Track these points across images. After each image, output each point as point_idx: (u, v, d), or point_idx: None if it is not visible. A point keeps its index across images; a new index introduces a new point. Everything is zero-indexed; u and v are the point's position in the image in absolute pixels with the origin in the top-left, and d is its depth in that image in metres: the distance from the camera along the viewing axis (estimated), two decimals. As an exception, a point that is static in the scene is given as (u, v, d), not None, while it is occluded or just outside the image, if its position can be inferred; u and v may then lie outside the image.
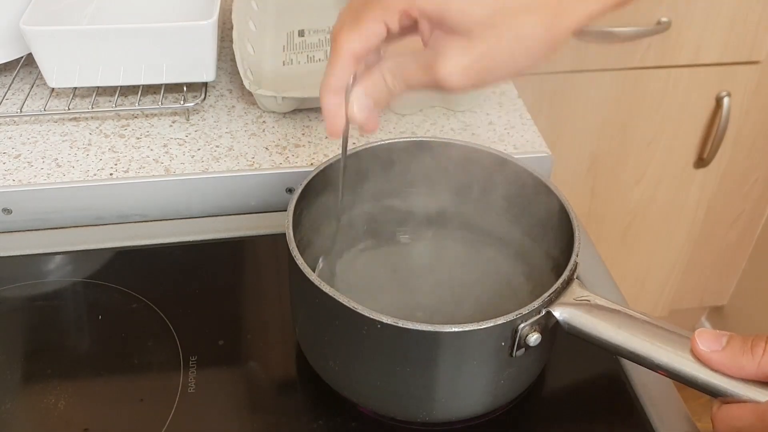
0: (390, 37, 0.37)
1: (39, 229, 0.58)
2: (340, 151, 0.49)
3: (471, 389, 0.41)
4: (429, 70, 0.36)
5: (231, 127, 0.64)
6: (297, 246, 0.42)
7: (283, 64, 0.71)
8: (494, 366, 0.40)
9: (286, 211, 0.44)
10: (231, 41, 0.67)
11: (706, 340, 0.35)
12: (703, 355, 0.35)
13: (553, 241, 0.47)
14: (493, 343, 0.39)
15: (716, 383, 0.35)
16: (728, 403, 0.35)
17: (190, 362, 0.47)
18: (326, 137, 0.63)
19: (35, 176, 0.58)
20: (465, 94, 0.36)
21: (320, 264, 0.49)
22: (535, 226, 0.49)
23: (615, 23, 0.96)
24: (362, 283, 0.50)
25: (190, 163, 0.60)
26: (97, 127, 0.64)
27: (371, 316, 0.37)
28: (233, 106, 0.67)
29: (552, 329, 0.40)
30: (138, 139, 0.63)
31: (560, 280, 0.40)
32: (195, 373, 0.47)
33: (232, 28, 0.69)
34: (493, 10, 0.34)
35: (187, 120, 0.65)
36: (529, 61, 0.36)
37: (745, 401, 0.34)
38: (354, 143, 0.62)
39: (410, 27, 0.37)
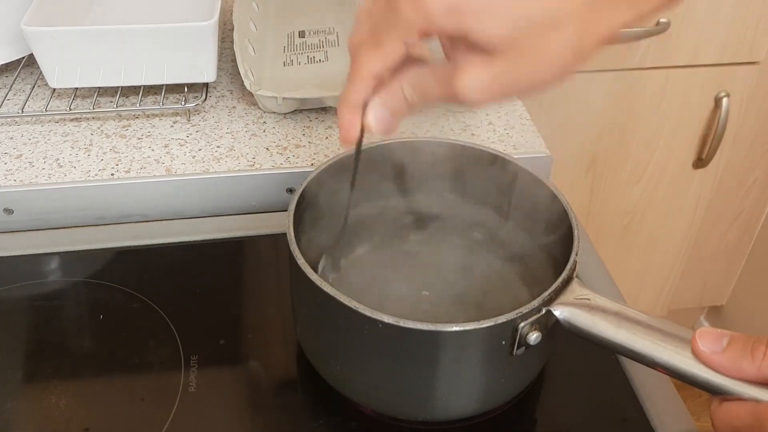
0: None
1: (40, 229, 0.58)
2: (340, 153, 0.49)
3: (471, 388, 0.41)
4: (447, 84, 0.35)
5: (232, 128, 0.64)
6: (298, 246, 0.42)
7: (284, 65, 0.71)
8: (494, 365, 0.40)
9: (286, 211, 0.44)
10: (232, 42, 0.68)
11: (707, 340, 0.35)
12: (703, 355, 0.35)
13: (552, 240, 0.47)
14: (494, 342, 0.39)
15: (716, 381, 0.35)
16: (728, 400, 0.35)
17: (191, 362, 0.47)
18: (327, 138, 0.63)
19: (36, 176, 0.58)
20: (482, 107, 0.35)
21: (322, 263, 0.50)
22: (534, 226, 0.49)
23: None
24: (362, 283, 0.50)
25: (191, 163, 0.60)
26: (98, 128, 0.64)
27: (372, 316, 0.37)
28: (234, 107, 0.67)
29: (552, 328, 0.40)
30: (139, 139, 0.63)
31: (560, 279, 0.40)
32: (196, 373, 0.47)
33: (232, 28, 0.69)
34: (516, 28, 0.32)
35: (188, 120, 0.65)
36: (552, 77, 0.34)
37: (745, 400, 0.34)
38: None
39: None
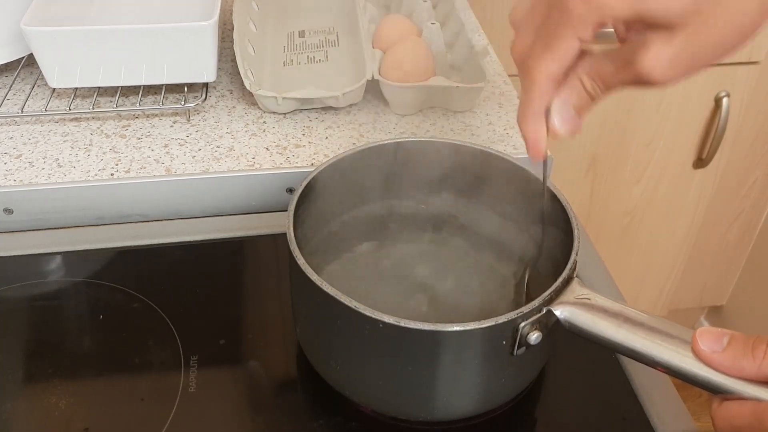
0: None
1: (40, 229, 0.58)
2: (340, 153, 0.49)
3: (472, 388, 0.41)
4: (630, 66, 0.34)
5: (231, 128, 0.64)
6: (298, 246, 0.42)
7: (284, 65, 0.71)
8: (495, 365, 0.40)
9: (286, 211, 0.44)
10: (232, 42, 0.68)
11: (707, 339, 0.35)
12: (703, 355, 0.35)
13: (552, 240, 0.47)
14: (494, 342, 0.39)
15: (717, 381, 0.35)
16: (729, 400, 0.35)
17: (191, 362, 0.47)
18: (327, 138, 0.63)
19: (36, 176, 0.58)
20: (670, 85, 0.34)
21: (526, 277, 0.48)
22: (534, 226, 0.49)
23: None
24: (363, 283, 0.50)
25: (190, 163, 0.60)
26: (98, 128, 0.64)
27: (373, 316, 0.37)
28: (234, 107, 0.67)
29: (552, 328, 0.40)
30: (139, 139, 0.63)
31: (560, 279, 0.40)
32: (196, 373, 0.47)
33: (232, 28, 0.69)
34: None
35: (188, 120, 0.65)
36: (739, 41, 0.33)
37: (745, 399, 0.34)
38: (354, 143, 0.63)
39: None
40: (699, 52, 0.33)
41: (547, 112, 0.37)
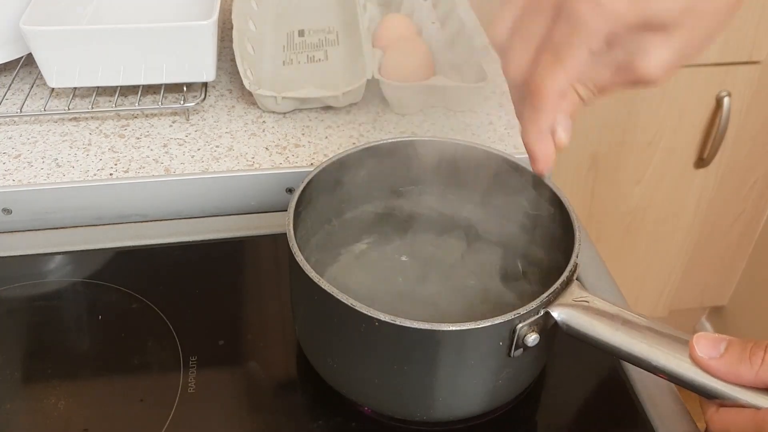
0: None
1: (39, 229, 0.58)
2: (340, 152, 0.49)
3: (469, 388, 0.41)
4: (628, 71, 0.34)
5: (231, 127, 0.64)
6: (297, 245, 0.42)
7: (283, 64, 0.71)
8: (492, 366, 0.40)
9: (285, 211, 0.44)
10: (231, 41, 0.68)
11: (704, 346, 0.35)
12: (700, 361, 0.35)
13: (553, 241, 0.47)
14: (491, 342, 0.39)
15: (715, 387, 0.34)
16: (725, 406, 0.34)
17: (190, 362, 0.47)
18: (327, 138, 0.63)
19: (35, 176, 0.58)
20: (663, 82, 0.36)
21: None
22: (535, 226, 0.49)
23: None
24: (363, 283, 0.50)
25: (190, 163, 0.60)
26: (97, 127, 0.64)
27: (368, 314, 0.37)
28: (233, 106, 0.67)
29: (551, 330, 0.40)
30: (138, 139, 0.63)
31: (559, 281, 0.40)
32: (195, 373, 0.47)
33: (232, 28, 0.69)
34: None
35: (187, 120, 0.65)
36: (718, 34, 0.35)
37: (743, 406, 0.34)
38: (354, 143, 0.63)
39: None
40: (691, 50, 0.34)
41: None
